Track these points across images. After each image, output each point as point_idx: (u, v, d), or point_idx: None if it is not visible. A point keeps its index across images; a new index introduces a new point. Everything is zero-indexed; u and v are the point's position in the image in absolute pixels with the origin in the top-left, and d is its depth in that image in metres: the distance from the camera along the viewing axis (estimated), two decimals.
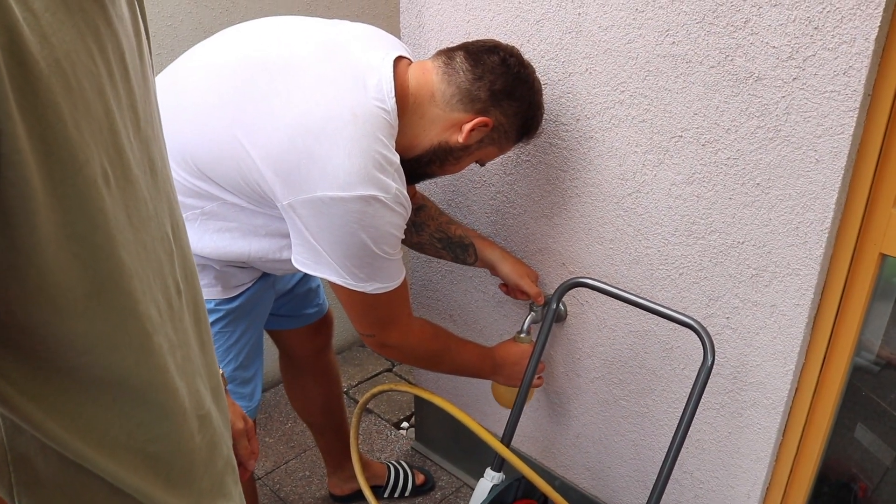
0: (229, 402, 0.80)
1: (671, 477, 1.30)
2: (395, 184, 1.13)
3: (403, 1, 1.59)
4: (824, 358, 1.25)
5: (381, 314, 1.29)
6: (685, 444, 1.29)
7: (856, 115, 1.04)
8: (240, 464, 0.82)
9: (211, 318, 1.31)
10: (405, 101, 1.17)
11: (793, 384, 1.27)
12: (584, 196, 1.42)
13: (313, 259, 1.18)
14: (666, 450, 1.28)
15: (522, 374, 1.48)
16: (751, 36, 1.10)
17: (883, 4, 0.97)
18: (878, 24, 0.98)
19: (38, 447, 0.49)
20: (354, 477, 1.80)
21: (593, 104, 1.33)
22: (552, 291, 1.46)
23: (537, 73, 1.27)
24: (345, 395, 2.00)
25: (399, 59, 1.18)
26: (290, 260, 1.22)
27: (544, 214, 1.50)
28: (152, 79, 0.57)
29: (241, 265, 1.31)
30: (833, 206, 1.11)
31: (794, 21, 1.05)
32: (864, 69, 1.01)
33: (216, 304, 1.32)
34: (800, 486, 1.38)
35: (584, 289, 1.49)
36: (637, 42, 1.23)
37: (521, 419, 1.52)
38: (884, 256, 1.14)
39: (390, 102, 1.13)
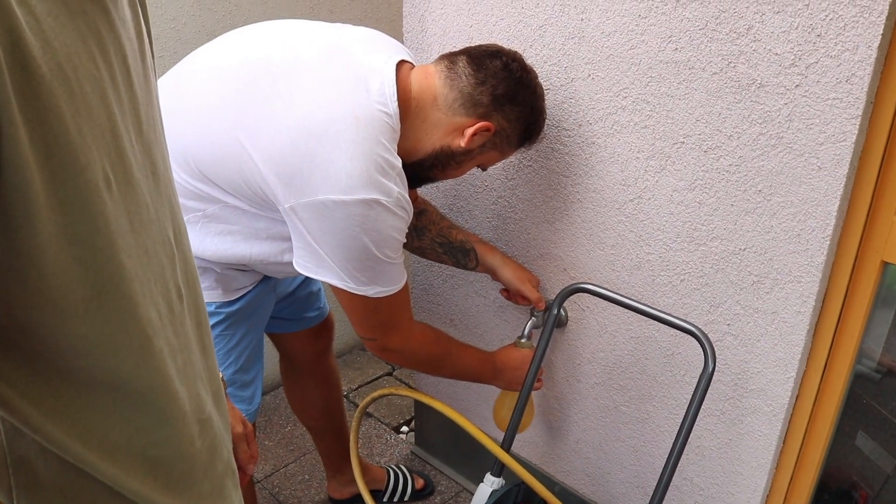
0: (229, 405, 0.80)
1: (671, 484, 1.29)
2: (397, 187, 1.13)
3: (406, 5, 1.59)
4: (825, 365, 1.24)
5: (383, 318, 1.29)
6: (685, 451, 1.29)
7: (858, 123, 1.04)
8: (239, 468, 0.82)
9: (211, 321, 1.31)
10: (408, 104, 1.17)
11: (794, 391, 1.27)
12: (586, 201, 1.41)
13: (315, 262, 1.18)
14: (666, 456, 1.28)
15: (522, 380, 1.48)
16: (753, 43, 1.10)
17: (886, 12, 0.97)
18: (881, 31, 0.98)
19: (38, 450, 0.48)
20: (354, 481, 1.80)
21: (595, 109, 1.33)
22: (553, 297, 1.46)
23: (540, 79, 1.26)
24: (345, 399, 1.99)
25: (402, 62, 1.18)
26: (291, 263, 1.22)
27: (546, 220, 1.50)
28: (154, 82, 0.57)
29: (242, 268, 1.31)
30: (835, 214, 1.10)
31: (796, 28, 1.05)
32: (867, 77, 1.01)
33: (217, 307, 1.32)
34: (800, 494, 1.37)
35: (585, 294, 1.49)
36: (640, 48, 1.23)
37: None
38: (885, 264, 1.14)
39: (393, 106, 1.13)
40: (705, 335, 1.23)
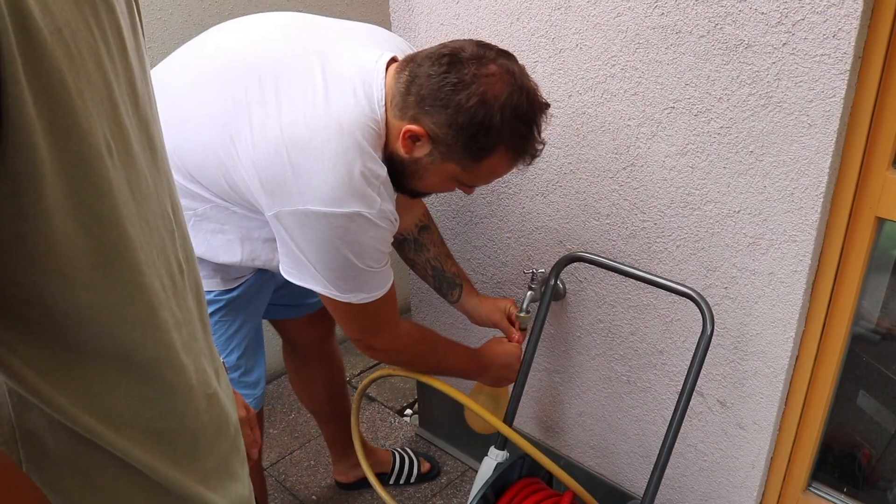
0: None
1: (675, 451, 1.30)
2: (381, 198, 1.11)
3: None
4: (824, 324, 1.25)
5: (369, 322, 1.29)
6: (687, 417, 1.29)
7: (847, 78, 1.04)
8: None
9: (210, 309, 1.31)
10: (390, 105, 1.13)
11: (793, 352, 1.27)
12: (579, 172, 1.41)
13: (299, 269, 1.17)
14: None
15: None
16: (739, 3, 1.09)
17: None
18: None
19: (46, 423, 0.48)
20: (359, 464, 1.80)
21: (585, 79, 1.33)
22: (549, 269, 1.46)
23: (526, 68, 1.13)
24: (348, 384, 2.00)
25: (393, 61, 1.14)
26: None
27: (540, 192, 1.50)
28: (147, 62, 0.57)
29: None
30: (827, 171, 1.10)
31: None
32: (853, 31, 1.01)
33: (216, 295, 1.32)
34: (804, 455, 1.38)
35: (582, 266, 1.49)
36: (626, 15, 1.23)
37: (523, 400, 1.52)
38: (880, 220, 1.14)
39: (380, 111, 1.10)
40: (702, 297, 1.23)
